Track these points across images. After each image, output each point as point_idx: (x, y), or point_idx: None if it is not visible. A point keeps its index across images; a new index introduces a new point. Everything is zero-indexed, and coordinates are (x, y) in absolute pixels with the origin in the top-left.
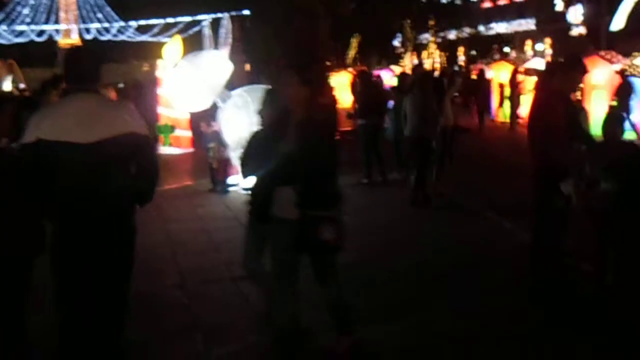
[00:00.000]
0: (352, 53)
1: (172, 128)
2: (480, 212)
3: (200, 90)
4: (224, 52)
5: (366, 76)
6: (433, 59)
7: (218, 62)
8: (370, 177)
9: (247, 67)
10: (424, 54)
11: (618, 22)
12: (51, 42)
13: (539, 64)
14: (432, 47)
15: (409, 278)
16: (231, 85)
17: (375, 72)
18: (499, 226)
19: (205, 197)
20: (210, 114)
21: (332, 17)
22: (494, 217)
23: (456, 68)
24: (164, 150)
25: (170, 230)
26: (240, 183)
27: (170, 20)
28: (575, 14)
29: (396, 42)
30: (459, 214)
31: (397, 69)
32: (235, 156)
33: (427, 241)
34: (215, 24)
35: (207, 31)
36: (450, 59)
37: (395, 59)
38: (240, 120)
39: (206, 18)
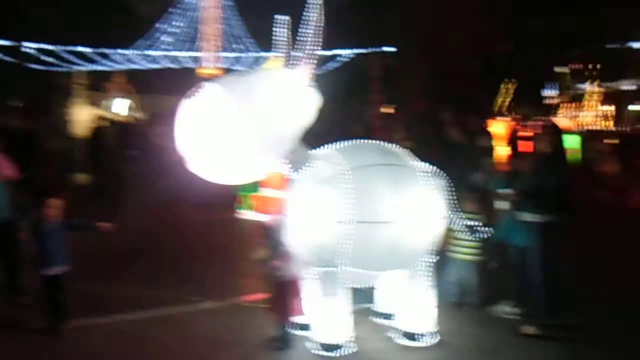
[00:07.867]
0: (500, 100)
1: (255, 184)
2: None
3: (247, 142)
4: (301, 72)
5: (558, 133)
6: (594, 113)
7: (286, 90)
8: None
9: (385, 109)
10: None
11: None
12: (185, 70)
13: None
14: (594, 98)
15: None
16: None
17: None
18: None
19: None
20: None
21: (483, 59)
22: None
23: None
24: (243, 214)
25: None
26: (316, 329)
27: None
28: None
29: (547, 92)
30: None
31: (564, 122)
32: (310, 276)
33: None
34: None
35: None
36: (619, 113)
37: (545, 110)
38: (323, 206)
39: (347, 53)
